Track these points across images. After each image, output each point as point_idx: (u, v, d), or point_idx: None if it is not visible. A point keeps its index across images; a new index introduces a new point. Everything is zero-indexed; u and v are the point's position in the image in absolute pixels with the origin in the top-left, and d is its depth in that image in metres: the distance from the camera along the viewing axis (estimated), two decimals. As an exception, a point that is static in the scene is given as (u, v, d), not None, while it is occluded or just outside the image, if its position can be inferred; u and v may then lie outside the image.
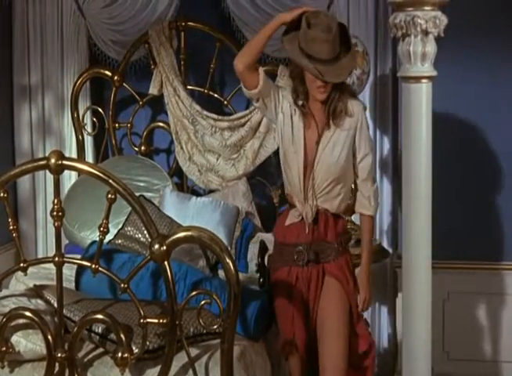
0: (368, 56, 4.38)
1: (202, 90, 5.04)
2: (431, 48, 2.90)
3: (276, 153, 4.82)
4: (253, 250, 4.45)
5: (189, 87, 4.99)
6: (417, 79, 2.91)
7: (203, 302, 3.03)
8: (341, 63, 3.18)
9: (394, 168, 4.72)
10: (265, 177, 4.97)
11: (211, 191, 4.90)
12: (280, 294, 3.42)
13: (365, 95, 4.67)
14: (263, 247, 3.76)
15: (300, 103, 3.33)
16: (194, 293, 3.10)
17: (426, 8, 2.85)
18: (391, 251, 4.65)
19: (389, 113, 4.74)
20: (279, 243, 3.47)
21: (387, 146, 4.76)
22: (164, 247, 2.96)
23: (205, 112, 4.86)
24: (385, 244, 4.68)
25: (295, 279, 3.38)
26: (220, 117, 4.86)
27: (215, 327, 3.03)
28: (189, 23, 4.97)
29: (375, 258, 4.34)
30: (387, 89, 4.74)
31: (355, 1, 4.74)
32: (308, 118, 3.34)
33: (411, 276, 3.01)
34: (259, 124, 4.81)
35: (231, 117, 4.87)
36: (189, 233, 3.02)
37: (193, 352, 3.09)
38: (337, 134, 3.32)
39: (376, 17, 4.72)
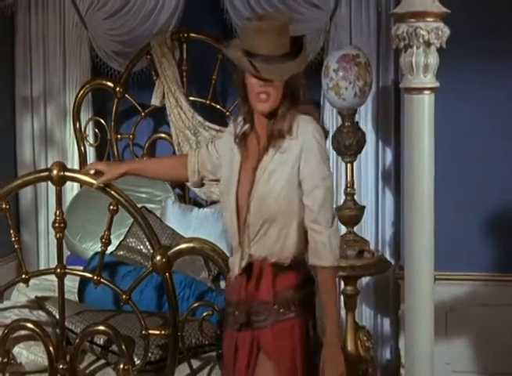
0: (370, 67, 4.38)
1: (204, 101, 5.04)
2: (434, 59, 2.90)
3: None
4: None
5: (191, 98, 4.99)
6: (420, 90, 2.90)
7: (204, 314, 3.04)
8: (287, 65, 2.60)
9: (396, 179, 4.71)
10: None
11: (213, 202, 4.89)
12: (224, 365, 2.84)
13: (368, 106, 4.67)
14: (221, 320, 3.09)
15: (240, 126, 2.74)
16: (196, 304, 3.11)
17: (428, 19, 2.84)
18: (393, 262, 4.64)
19: (391, 124, 4.73)
20: (226, 301, 2.85)
21: (389, 157, 4.76)
22: (166, 259, 2.97)
23: (207, 123, 4.86)
24: (387, 255, 4.67)
25: (234, 345, 2.72)
26: (222, 128, 4.85)
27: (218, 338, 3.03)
28: (191, 34, 4.98)
29: (377, 269, 4.34)
30: (389, 100, 4.74)
31: (357, 12, 4.74)
32: (249, 146, 2.72)
33: (413, 287, 3.00)
34: (261, 135, 4.80)
35: (233, 128, 4.86)
36: (191, 245, 3.03)
37: (195, 363, 3.10)
38: (275, 160, 2.65)
39: (378, 28, 4.72)
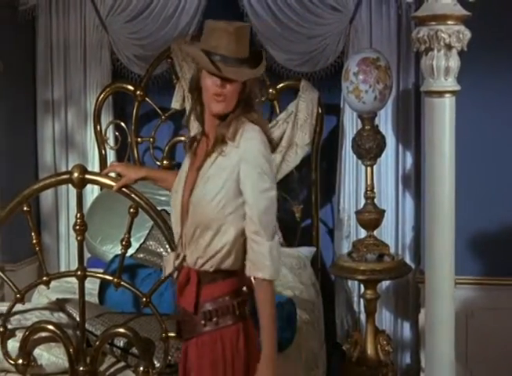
0: (390, 71, 4.37)
1: (224, 104, 5.04)
2: (454, 62, 2.89)
3: (298, 167, 4.85)
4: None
5: (211, 102, 4.99)
6: (440, 94, 2.89)
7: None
8: (244, 70, 2.55)
9: (416, 182, 4.70)
10: (287, 192, 4.95)
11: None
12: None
13: (388, 109, 4.66)
14: None
15: (193, 131, 2.72)
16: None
17: (449, 22, 2.83)
18: (413, 266, 4.62)
19: (411, 127, 4.72)
20: None
21: (409, 160, 4.74)
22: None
23: (227, 126, 4.86)
24: (407, 259, 4.65)
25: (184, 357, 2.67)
26: (242, 132, 4.86)
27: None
28: (212, 38, 4.98)
29: (397, 273, 4.33)
30: (409, 104, 4.72)
31: (377, 16, 4.73)
32: (198, 150, 2.67)
33: (434, 291, 2.99)
34: (281, 138, 4.80)
35: (253, 132, 4.86)
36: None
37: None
38: (215, 165, 2.57)
39: (398, 31, 4.71)
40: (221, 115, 2.58)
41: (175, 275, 2.64)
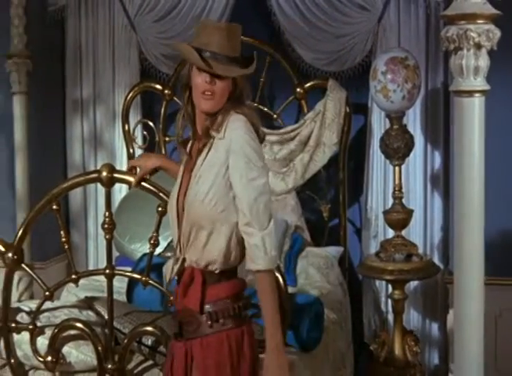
0: (419, 70, 4.35)
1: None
2: (484, 61, 2.86)
3: (326, 167, 4.84)
4: (301, 264, 4.46)
5: (238, 100, 4.99)
6: (470, 93, 2.87)
7: (251, 315, 3.03)
8: (236, 67, 2.54)
9: (445, 182, 4.67)
10: (315, 191, 4.95)
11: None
12: (165, 372, 2.71)
13: (416, 109, 4.64)
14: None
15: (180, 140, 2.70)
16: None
17: (479, 21, 2.81)
18: (441, 266, 4.59)
19: (440, 127, 4.70)
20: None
21: (438, 160, 4.72)
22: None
23: (255, 126, 4.86)
24: (436, 260, 4.63)
25: (172, 355, 2.63)
26: (269, 131, 4.85)
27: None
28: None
29: (426, 273, 4.31)
30: (438, 103, 4.70)
31: (406, 15, 4.71)
32: (191, 151, 2.66)
33: (463, 292, 2.96)
34: (309, 138, 4.80)
35: (280, 131, 4.87)
36: (240, 247, 3.03)
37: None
38: (206, 162, 2.56)
39: (427, 30, 4.69)
40: (210, 113, 2.56)
41: (168, 277, 2.63)
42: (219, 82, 2.52)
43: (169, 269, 2.63)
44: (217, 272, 2.54)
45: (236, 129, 2.52)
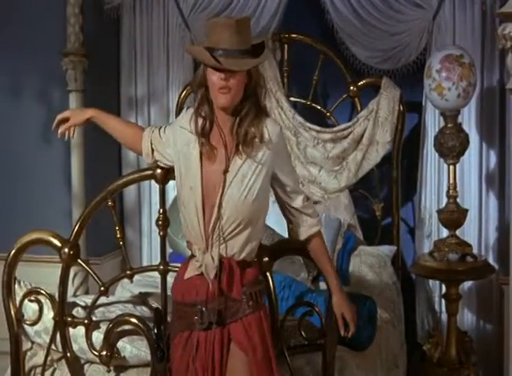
0: (474, 68, 4.31)
1: (305, 102, 5.03)
2: (541, 59, 2.83)
3: (379, 165, 4.82)
4: (354, 262, 4.45)
5: (291, 99, 5.00)
6: (527, 91, 2.84)
7: (304, 314, 3.04)
8: (248, 60, 2.63)
9: (500, 182, 4.62)
10: (368, 190, 4.93)
11: (314, 203, 4.88)
12: (178, 364, 2.79)
13: (471, 107, 4.59)
14: (159, 315, 3.07)
15: (195, 124, 2.76)
16: (296, 304, 3.11)
17: (537, 18, 2.78)
18: (496, 267, 4.53)
19: (496, 126, 4.64)
20: (176, 303, 2.81)
21: (493, 159, 4.66)
22: (267, 259, 2.98)
23: (308, 124, 4.86)
24: (491, 260, 4.57)
25: (196, 346, 2.72)
26: (323, 129, 4.85)
27: (317, 339, 3.03)
28: (292, 35, 4.99)
29: (480, 273, 4.27)
30: (493, 102, 4.64)
31: (461, 12, 4.66)
32: (211, 148, 2.73)
33: (519, 293, 2.93)
34: (362, 136, 4.78)
35: (334, 129, 4.86)
36: (292, 245, 3.03)
37: (294, 363, 3.08)
38: (249, 163, 2.70)
39: (483, 28, 4.63)
40: (228, 108, 2.68)
41: (213, 275, 2.70)
42: (234, 77, 2.63)
43: (210, 266, 2.69)
44: (248, 260, 2.75)
45: (277, 132, 2.74)
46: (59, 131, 3.04)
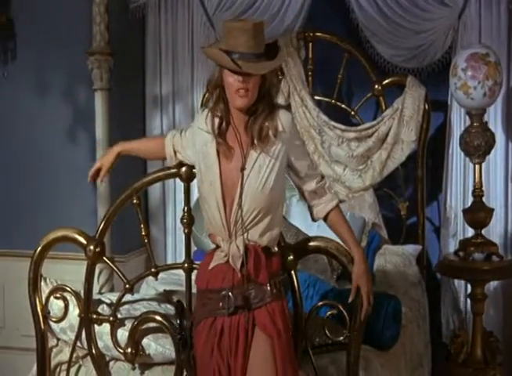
0: (500, 67, 4.28)
1: (329, 100, 5.03)
2: None
3: (404, 164, 4.80)
4: (379, 261, 4.44)
5: (316, 97, 4.99)
6: (555, 89, 2.81)
7: (328, 313, 3.03)
8: (264, 63, 2.74)
9: (527, 180, 4.59)
10: (393, 188, 4.91)
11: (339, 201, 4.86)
12: (201, 351, 2.85)
13: (497, 106, 4.56)
14: (180, 307, 3.11)
15: (212, 124, 2.85)
16: (320, 303, 3.10)
17: None
18: (523, 266, 4.50)
19: (523, 124, 4.61)
20: (201, 291, 2.88)
21: (520, 158, 4.63)
22: (291, 257, 2.98)
23: (332, 122, 4.85)
24: (517, 259, 4.55)
25: (220, 331, 2.80)
26: (347, 128, 4.84)
27: (341, 338, 3.02)
28: (317, 34, 4.98)
29: (506, 273, 4.24)
30: (520, 100, 4.61)
31: (487, 10, 4.64)
32: (227, 142, 2.83)
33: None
34: (387, 135, 4.77)
35: (358, 128, 4.84)
36: (316, 244, 3.03)
37: (318, 362, 3.08)
38: (262, 156, 2.80)
39: (509, 26, 4.62)
40: (244, 108, 2.79)
41: (239, 264, 2.79)
42: (250, 79, 2.73)
43: (236, 255, 2.78)
44: (272, 248, 2.85)
45: (289, 122, 2.85)
46: (98, 180, 3.19)
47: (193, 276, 3.17)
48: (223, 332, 2.79)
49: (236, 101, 2.77)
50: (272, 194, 2.80)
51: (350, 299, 2.90)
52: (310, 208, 2.98)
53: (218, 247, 2.86)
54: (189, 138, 2.97)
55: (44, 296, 3.28)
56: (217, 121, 2.84)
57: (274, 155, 2.81)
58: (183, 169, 3.09)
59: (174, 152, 3.03)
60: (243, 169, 2.78)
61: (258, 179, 2.79)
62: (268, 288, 2.80)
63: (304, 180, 2.92)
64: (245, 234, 2.79)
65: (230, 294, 2.77)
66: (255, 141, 2.79)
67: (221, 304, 2.79)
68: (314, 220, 3.01)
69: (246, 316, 2.78)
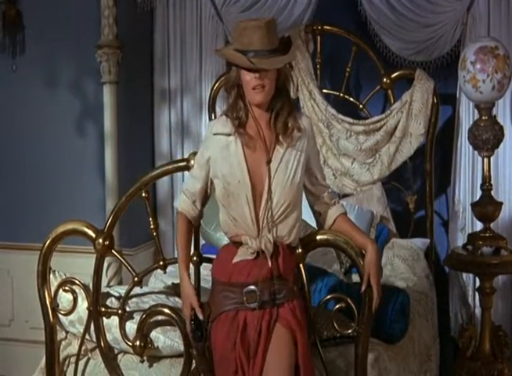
0: (509, 60, 4.26)
1: (337, 94, 5.02)
2: None
3: (412, 157, 4.79)
4: (387, 255, 4.43)
5: (324, 91, 4.98)
6: None
7: (337, 306, 3.03)
8: (279, 58, 2.84)
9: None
10: (401, 182, 4.91)
11: (346, 195, 4.88)
12: (222, 344, 2.86)
13: (506, 100, 4.54)
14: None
15: (231, 124, 2.90)
16: (328, 297, 3.11)
17: None
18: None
19: (531, 118, 4.59)
20: (221, 283, 2.90)
21: (530, 153, 4.62)
22: (300, 250, 2.99)
23: (340, 116, 4.84)
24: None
25: (243, 324, 2.84)
26: (355, 121, 4.83)
27: (349, 331, 3.02)
28: (326, 27, 4.97)
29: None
30: (529, 94, 4.59)
31: (496, 3, 4.62)
32: (250, 139, 2.90)
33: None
34: (395, 128, 4.76)
35: (366, 121, 4.83)
36: (325, 237, 3.04)
37: (326, 355, 3.09)
38: (289, 151, 2.89)
39: (518, 19, 4.59)
40: (263, 104, 2.88)
41: (252, 256, 2.85)
42: (266, 75, 2.83)
43: (269, 249, 2.83)
44: (294, 245, 2.94)
45: (310, 125, 2.99)
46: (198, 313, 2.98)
47: (202, 270, 3.19)
48: (246, 326, 2.83)
49: (254, 97, 2.86)
50: (299, 187, 2.90)
51: (363, 288, 2.93)
52: (318, 216, 3.07)
53: (237, 244, 2.88)
54: (199, 158, 2.98)
55: (53, 289, 3.30)
56: (236, 115, 2.91)
57: (299, 148, 2.91)
58: (192, 162, 3.09)
59: (193, 201, 3.03)
60: (269, 162, 2.86)
61: (286, 174, 2.87)
62: (291, 284, 2.88)
63: (317, 188, 3.01)
64: (273, 229, 2.85)
65: (257, 289, 2.82)
66: (280, 137, 2.89)
67: (245, 298, 2.82)
68: (318, 226, 3.08)
69: (275, 312, 2.83)
